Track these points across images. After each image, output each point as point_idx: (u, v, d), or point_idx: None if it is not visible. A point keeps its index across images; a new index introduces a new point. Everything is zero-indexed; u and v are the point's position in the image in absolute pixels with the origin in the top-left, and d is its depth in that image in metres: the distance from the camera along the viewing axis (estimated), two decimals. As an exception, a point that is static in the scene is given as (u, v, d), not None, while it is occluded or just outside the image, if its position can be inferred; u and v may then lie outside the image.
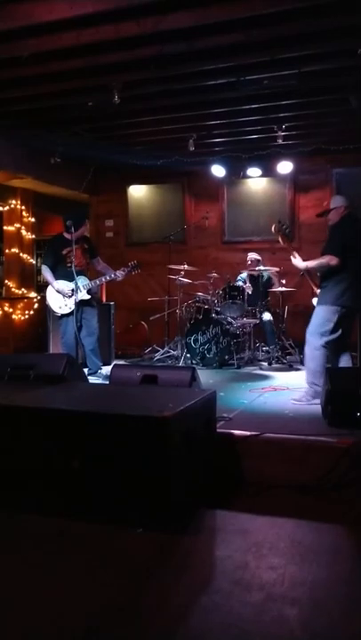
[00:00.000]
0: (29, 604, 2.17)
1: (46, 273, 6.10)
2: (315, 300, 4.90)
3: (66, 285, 5.97)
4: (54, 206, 9.21)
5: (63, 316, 6.05)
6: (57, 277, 6.05)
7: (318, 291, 4.80)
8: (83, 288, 5.91)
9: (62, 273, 6.03)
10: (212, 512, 3.08)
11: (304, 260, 4.79)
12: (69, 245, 5.89)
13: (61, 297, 5.99)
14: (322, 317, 4.59)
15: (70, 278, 5.91)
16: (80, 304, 5.89)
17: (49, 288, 6.15)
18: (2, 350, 7.61)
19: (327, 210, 4.86)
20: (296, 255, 4.88)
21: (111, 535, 2.73)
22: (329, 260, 4.57)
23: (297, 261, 4.88)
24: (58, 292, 6.00)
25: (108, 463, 2.89)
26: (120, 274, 6.06)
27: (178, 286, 7.24)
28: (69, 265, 5.92)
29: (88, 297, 5.96)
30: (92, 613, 2.08)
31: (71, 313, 5.94)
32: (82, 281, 5.91)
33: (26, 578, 2.38)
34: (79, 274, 5.88)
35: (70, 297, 5.91)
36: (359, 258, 4.62)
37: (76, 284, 5.79)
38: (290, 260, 4.93)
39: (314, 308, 4.81)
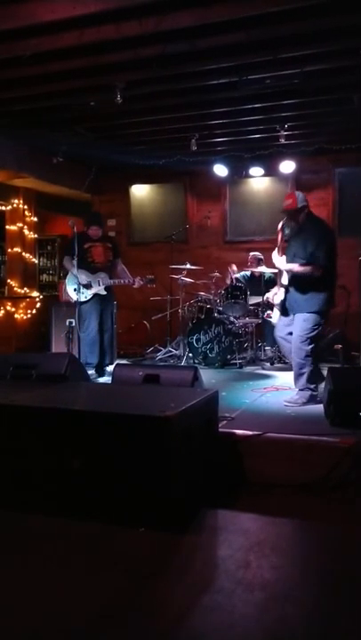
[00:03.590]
0: (29, 604, 2.17)
1: (67, 263, 6.23)
2: (274, 313, 4.87)
3: (87, 276, 6.12)
4: (57, 206, 9.23)
5: (81, 303, 6.08)
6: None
7: (276, 292, 4.80)
8: (101, 283, 6.12)
9: (84, 266, 6.13)
10: (213, 511, 3.08)
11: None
12: (90, 241, 6.22)
13: (78, 284, 6.09)
14: (312, 323, 4.60)
15: (93, 272, 6.15)
16: (99, 303, 6.09)
17: (69, 274, 6.21)
18: (4, 349, 7.61)
19: (292, 209, 4.75)
20: (280, 253, 4.85)
21: (112, 535, 2.73)
22: (314, 270, 4.54)
23: (279, 261, 4.80)
24: (76, 277, 6.02)
25: (110, 463, 2.89)
26: (137, 282, 6.29)
27: (180, 286, 7.24)
28: (91, 260, 6.17)
29: (104, 293, 6.14)
30: (93, 613, 2.09)
31: (86, 303, 6.07)
32: (102, 277, 6.14)
33: (26, 578, 2.38)
34: (100, 270, 6.14)
35: (86, 286, 6.07)
36: (335, 262, 4.67)
37: (114, 283, 6.07)
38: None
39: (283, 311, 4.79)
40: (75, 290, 6.10)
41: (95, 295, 6.11)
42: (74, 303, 6.16)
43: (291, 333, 4.73)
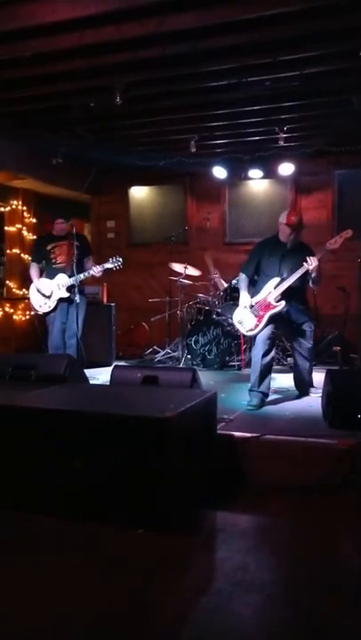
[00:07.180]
0: (29, 604, 2.17)
1: (32, 270, 6.03)
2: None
3: (47, 284, 5.89)
4: (56, 207, 9.20)
5: (46, 314, 5.95)
6: (44, 275, 6.00)
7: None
8: (61, 286, 5.80)
9: (47, 270, 5.98)
10: (212, 513, 3.08)
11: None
12: (54, 241, 5.97)
13: (41, 295, 5.93)
14: None
15: (53, 276, 5.89)
16: (66, 305, 5.83)
17: (31, 286, 6.05)
18: (3, 350, 7.61)
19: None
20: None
21: (111, 535, 2.73)
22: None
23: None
24: (37, 290, 5.93)
25: (109, 463, 2.89)
26: (98, 271, 5.75)
27: (179, 287, 7.24)
28: (54, 261, 5.94)
29: (67, 295, 5.77)
30: (92, 614, 2.08)
31: (53, 311, 5.88)
32: (61, 279, 5.81)
33: (26, 578, 2.38)
34: (62, 271, 5.82)
35: (49, 297, 5.86)
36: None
37: (76, 281, 5.63)
38: None
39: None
40: (40, 306, 5.91)
41: (58, 300, 5.83)
42: (42, 315, 6.00)
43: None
